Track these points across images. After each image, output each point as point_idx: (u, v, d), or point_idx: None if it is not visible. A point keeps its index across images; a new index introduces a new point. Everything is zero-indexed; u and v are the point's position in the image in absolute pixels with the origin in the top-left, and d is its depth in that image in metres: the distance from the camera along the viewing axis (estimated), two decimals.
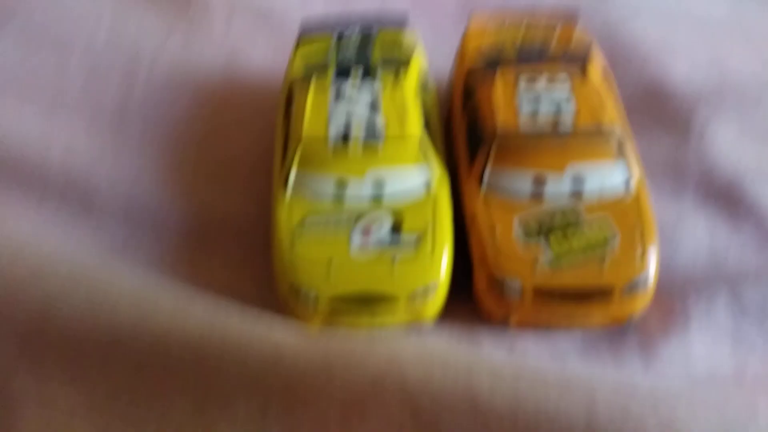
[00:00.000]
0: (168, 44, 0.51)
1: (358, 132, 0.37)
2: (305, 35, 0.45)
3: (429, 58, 0.47)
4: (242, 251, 0.39)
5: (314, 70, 0.41)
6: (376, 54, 0.42)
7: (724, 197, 0.41)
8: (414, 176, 0.36)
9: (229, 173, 0.43)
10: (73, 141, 0.44)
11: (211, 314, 0.33)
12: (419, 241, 0.34)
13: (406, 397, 0.30)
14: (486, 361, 0.31)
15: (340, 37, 0.44)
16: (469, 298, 0.35)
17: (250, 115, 0.47)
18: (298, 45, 0.44)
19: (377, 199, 0.36)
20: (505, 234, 0.34)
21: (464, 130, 0.39)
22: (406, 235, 0.34)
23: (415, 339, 0.33)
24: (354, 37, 0.44)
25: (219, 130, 0.46)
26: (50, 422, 0.31)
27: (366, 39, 0.44)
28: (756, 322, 0.35)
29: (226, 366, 0.31)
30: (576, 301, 0.33)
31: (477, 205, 0.35)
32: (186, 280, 0.37)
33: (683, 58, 0.50)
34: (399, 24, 0.45)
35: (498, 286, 0.33)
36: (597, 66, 0.40)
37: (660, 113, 0.46)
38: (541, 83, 0.38)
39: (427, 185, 0.36)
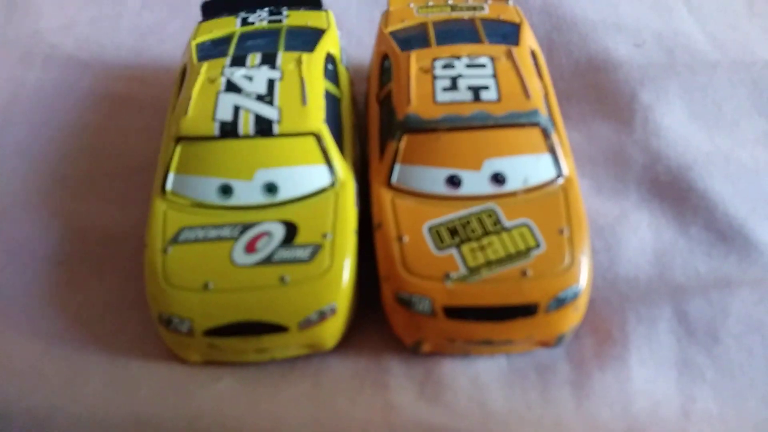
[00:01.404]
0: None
1: (246, 126, 0.31)
2: (208, 17, 0.40)
3: (362, 42, 0.42)
4: (124, 272, 0.34)
5: (209, 55, 0.36)
6: (281, 37, 0.37)
7: (671, 193, 0.36)
8: (312, 177, 0.31)
9: (120, 185, 0.38)
10: None
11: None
12: (315, 253, 0.29)
13: None
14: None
15: (245, 20, 0.39)
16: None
17: (152, 115, 0.41)
18: (198, 27, 0.39)
19: (268, 204, 0.30)
20: (414, 244, 0.29)
21: (377, 122, 0.34)
22: (300, 248, 0.29)
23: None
24: (260, 20, 0.39)
25: (113, 135, 0.41)
26: None
27: (274, 22, 0.39)
28: (704, 347, 0.30)
29: None
30: (494, 320, 0.28)
31: (384, 210, 0.30)
32: (61, 311, 0.32)
33: (627, 36, 0.45)
34: (312, 4, 0.40)
35: (405, 304, 0.29)
36: (526, 47, 0.35)
37: (600, 98, 0.42)
38: (460, 67, 0.33)
39: (328, 188, 0.31)
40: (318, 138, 0.31)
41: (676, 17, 0.47)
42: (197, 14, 0.41)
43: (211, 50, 0.36)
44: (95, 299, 0.33)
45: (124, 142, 0.41)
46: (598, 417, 0.28)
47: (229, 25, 0.39)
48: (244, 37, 0.37)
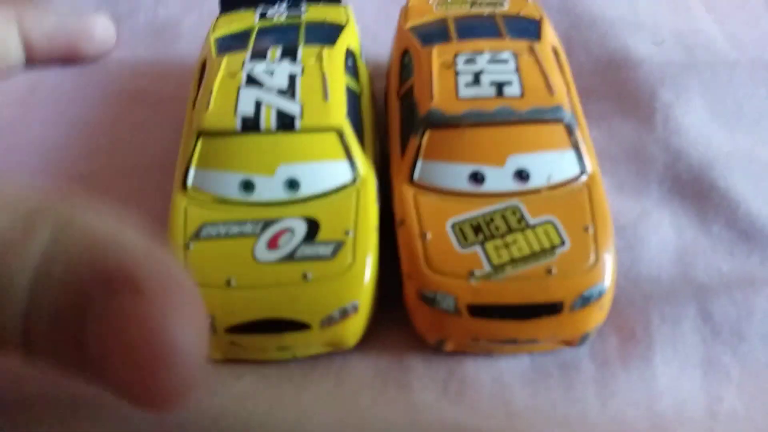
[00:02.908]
0: None
1: (268, 121, 0.31)
2: (226, 11, 0.40)
3: (378, 38, 0.41)
4: None
5: (229, 50, 0.35)
6: (301, 32, 0.37)
7: (692, 191, 0.36)
8: (333, 173, 0.31)
9: (136, 182, 0.38)
10: None
11: None
12: (337, 250, 0.28)
13: None
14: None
15: (263, 14, 0.39)
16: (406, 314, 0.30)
17: (168, 111, 0.41)
18: (217, 22, 0.39)
19: (290, 200, 0.30)
20: (437, 241, 0.29)
21: (398, 118, 0.34)
22: (322, 245, 0.29)
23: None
24: (279, 14, 0.38)
25: (128, 132, 0.41)
26: None
27: (292, 16, 0.38)
28: (729, 346, 0.30)
29: None
30: (519, 319, 0.28)
31: (406, 206, 0.30)
32: None
33: (646, 34, 0.45)
34: None
35: (429, 302, 0.28)
36: (547, 43, 0.35)
37: (620, 96, 0.41)
38: (482, 62, 0.32)
39: (349, 184, 0.31)
40: (340, 134, 0.31)
41: (694, 15, 0.47)
42: (213, 9, 0.41)
43: (231, 44, 0.36)
44: None
45: (141, 138, 0.40)
46: (624, 416, 0.27)
47: (247, 19, 0.38)
48: (263, 32, 0.37)
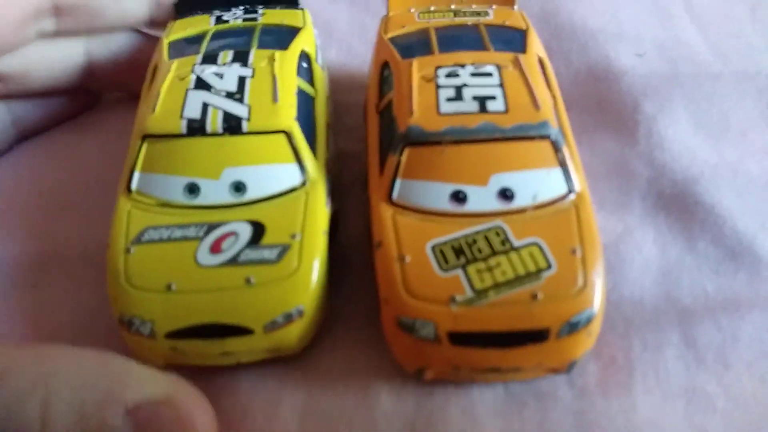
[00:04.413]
0: None
1: (214, 123, 0.30)
2: (182, 15, 0.38)
3: (352, 49, 0.39)
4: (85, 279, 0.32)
5: (181, 54, 0.34)
6: (255, 35, 0.36)
7: (676, 207, 0.35)
8: (281, 176, 0.30)
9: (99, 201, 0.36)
10: None
11: None
12: (283, 254, 0.28)
13: None
14: None
15: (219, 18, 0.37)
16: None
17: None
18: (172, 26, 0.38)
19: (236, 204, 0.29)
20: (416, 265, 0.27)
21: (377, 134, 0.32)
22: (267, 248, 0.28)
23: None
24: (235, 19, 0.37)
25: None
26: None
27: (248, 20, 0.37)
28: (714, 374, 0.29)
29: None
30: (503, 347, 0.26)
31: (384, 228, 0.29)
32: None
33: (628, 45, 0.44)
34: (288, 2, 0.39)
35: (407, 329, 0.27)
36: (533, 55, 0.33)
37: (602, 109, 0.40)
38: (465, 76, 0.31)
39: (298, 187, 0.30)
40: (288, 136, 0.30)
41: (678, 25, 0.46)
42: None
43: (184, 48, 0.35)
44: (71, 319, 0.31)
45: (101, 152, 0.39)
46: None
47: (203, 24, 0.37)
48: (217, 35, 0.36)
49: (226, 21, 0.37)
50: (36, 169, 0.38)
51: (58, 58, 0.38)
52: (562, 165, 0.29)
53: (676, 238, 0.34)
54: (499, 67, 0.31)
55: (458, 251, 0.27)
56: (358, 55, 0.44)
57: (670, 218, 0.35)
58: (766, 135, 0.38)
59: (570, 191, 0.29)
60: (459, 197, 0.29)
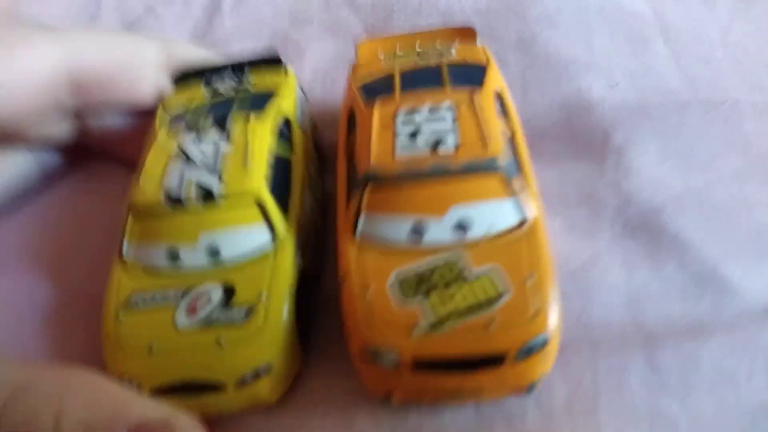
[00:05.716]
0: None
1: (189, 194, 0.32)
2: (178, 83, 0.40)
3: (336, 82, 0.41)
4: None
5: (168, 123, 0.36)
6: (236, 101, 0.37)
7: (643, 234, 0.36)
8: (251, 238, 0.32)
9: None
10: None
11: None
12: (250, 314, 0.29)
13: None
14: None
15: (209, 84, 0.39)
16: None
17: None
18: (168, 96, 0.39)
19: (211, 267, 0.31)
20: (379, 296, 0.29)
21: (345, 175, 0.34)
22: (236, 309, 0.30)
23: None
24: (225, 85, 0.39)
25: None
26: None
27: (239, 90, 0.39)
28: (677, 398, 0.30)
29: None
30: (462, 371, 0.28)
31: (348, 262, 0.30)
32: None
33: (600, 76, 0.45)
34: (271, 60, 0.40)
35: (372, 358, 0.28)
36: (489, 90, 0.35)
37: (573, 138, 0.41)
38: (423, 114, 0.33)
39: (267, 247, 0.32)
40: (257, 199, 0.32)
41: (651, 49, 0.46)
42: None
43: (172, 118, 0.37)
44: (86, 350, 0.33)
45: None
46: None
47: (195, 93, 0.39)
48: (204, 105, 0.37)
49: (218, 88, 0.39)
50: (59, 213, 0.41)
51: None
52: (514, 196, 0.30)
53: (643, 263, 0.35)
54: (453, 107, 0.33)
55: (418, 282, 0.29)
56: (341, 88, 0.45)
57: (638, 244, 0.36)
58: (732, 162, 0.39)
59: (523, 221, 0.30)
60: (418, 230, 0.30)
